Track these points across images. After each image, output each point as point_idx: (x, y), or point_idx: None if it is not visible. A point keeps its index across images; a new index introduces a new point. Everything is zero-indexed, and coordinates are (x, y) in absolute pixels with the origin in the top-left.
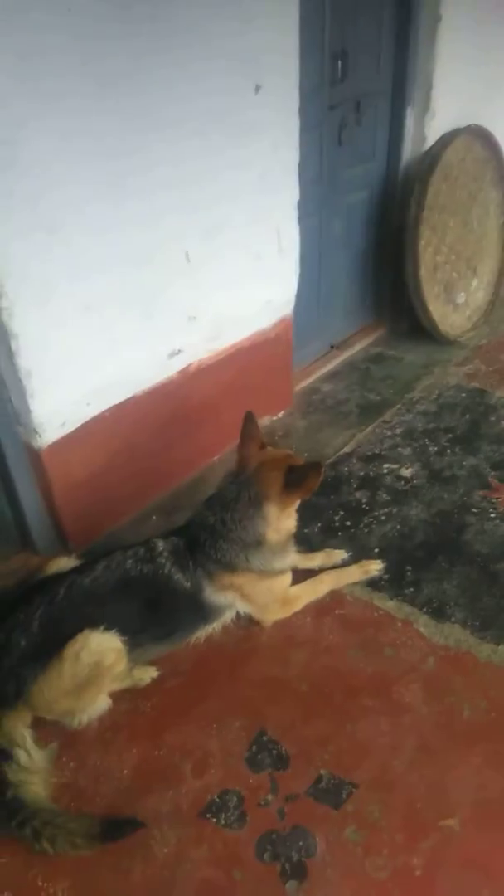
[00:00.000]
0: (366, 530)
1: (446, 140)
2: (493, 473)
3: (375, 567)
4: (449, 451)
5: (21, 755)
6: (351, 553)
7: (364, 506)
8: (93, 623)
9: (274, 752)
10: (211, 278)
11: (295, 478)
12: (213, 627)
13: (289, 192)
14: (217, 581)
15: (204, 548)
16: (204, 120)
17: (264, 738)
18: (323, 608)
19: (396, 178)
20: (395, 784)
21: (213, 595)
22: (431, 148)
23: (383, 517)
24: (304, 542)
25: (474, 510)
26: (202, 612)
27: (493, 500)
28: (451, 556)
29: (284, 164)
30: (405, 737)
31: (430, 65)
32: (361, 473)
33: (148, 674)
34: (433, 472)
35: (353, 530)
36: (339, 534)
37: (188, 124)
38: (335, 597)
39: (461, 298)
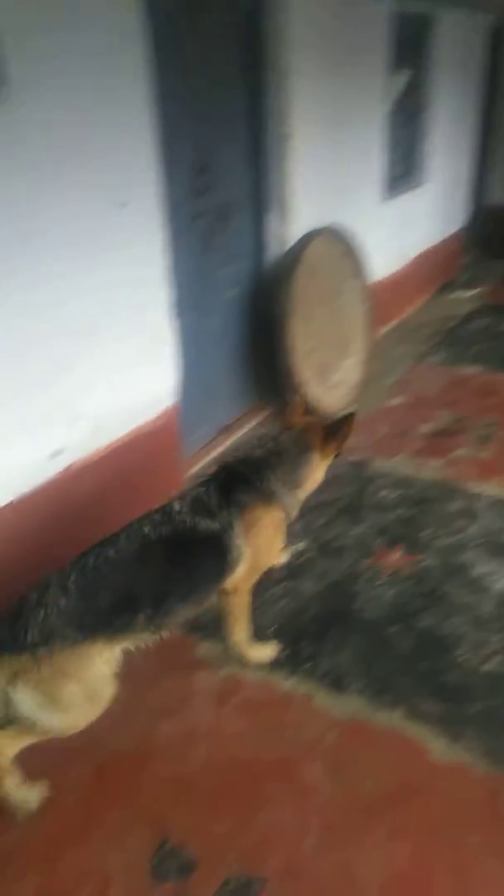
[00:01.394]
0: (261, 610)
1: (306, 239)
2: (378, 540)
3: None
4: (336, 522)
5: None
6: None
7: (259, 584)
8: (122, 591)
9: (179, 859)
10: (91, 377)
11: (333, 430)
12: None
13: (162, 294)
14: (247, 514)
15: (248, 479)
16: (78, 236)
17: (168, 845)
18: (223, 695)
19: (265, 276)
20: (304, 872)
21: (237, 535)
22: (293, 247)
23: (278, 594)
24: (202, 628)
25: (363, 578)
26: (223, 558)
27: (380, 567)
28: (344, 626)
29: (155, 269)
30: (311, 819)
31: (283, 176)
32: None
33: (33, 797)
34: (323, 545)
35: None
36: None
37: (62, 242)
38: (234, 682)
39: (336, 378)
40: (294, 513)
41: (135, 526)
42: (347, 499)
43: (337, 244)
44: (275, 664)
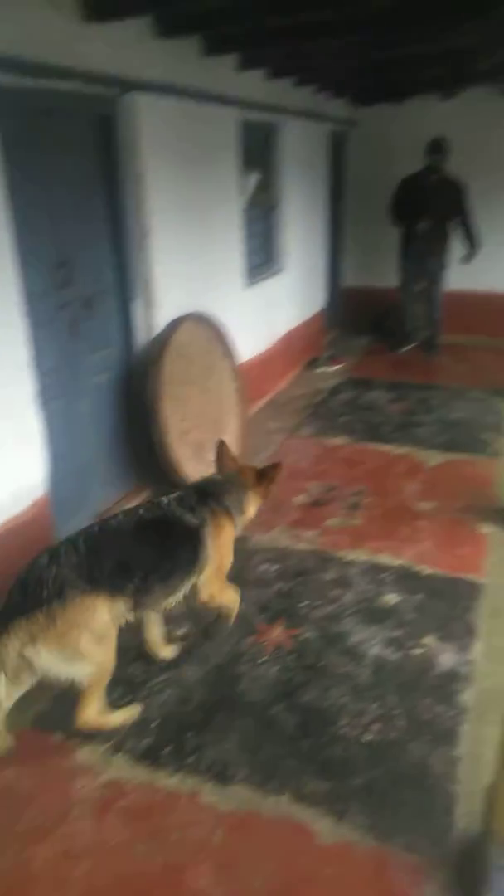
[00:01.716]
0: (144, 703)
1: (174, 325)
2: (259, 618)
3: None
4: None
5: None
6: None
7: (141, 678)
8: (121, 554)
9: None
10: None
11: (263, 474)
12: (196, 579)
13: (25, 384)
14: (216, 519)
15: (214, 495)
16: None
17: None
18: (104, 803)
19: (134, 360)
20: None
21: (208, 534)
22: (161, 333)
23: (161, 685)
24: (80, 732)
25: (246, 658)
26: (197, 549)
27: (262, 644)
28: (228, 711)
29: (15, 360)
30: None
31: (146, 267)
32: (135, 643)
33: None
34: (206, 627)
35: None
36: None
37: None
38: (116, 787)
39: (212, 456)
40: (238, 533)
41: (132, 508)
42: (230, 576)
43: (204, 328)
44: (158, 761)
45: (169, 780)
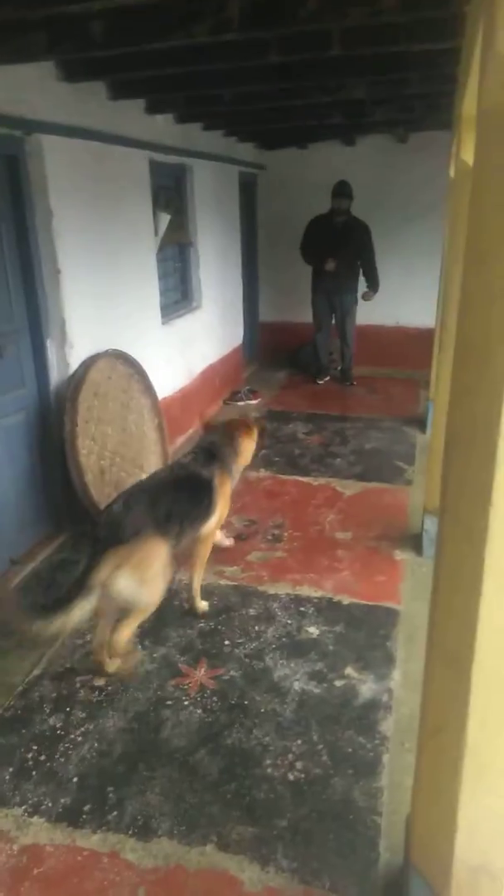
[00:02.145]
0: (62, 759)
1: (88, 363)
2: (181, 659)
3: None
4: (139, 646)
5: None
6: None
7: (59, 731)
8: (168, 504)
9: None
10: None
11: (248, 423)
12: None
13: None
14: (219, 474)
15: (216, 455)
16: None
17: None
18: (21, 872)
19: (50, 400)
20: None
21: (215, 487)
22: (76, 371)
23: (80, 738)
24: None
25: (169, 702)
26: (211, 499)
27: (185, 686)
28: (151, 760)
29: None
30: None
31: (59, 306)
32: (54, 695)
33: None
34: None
35: (48, 764)
36: (34, 773)
37: None
38: (34, 853)
39: None
40: (237, 479)
41: (167, 466)
42: (151, 619)
43: (121, 365)
44: (78, 822)
45: (89, 840)
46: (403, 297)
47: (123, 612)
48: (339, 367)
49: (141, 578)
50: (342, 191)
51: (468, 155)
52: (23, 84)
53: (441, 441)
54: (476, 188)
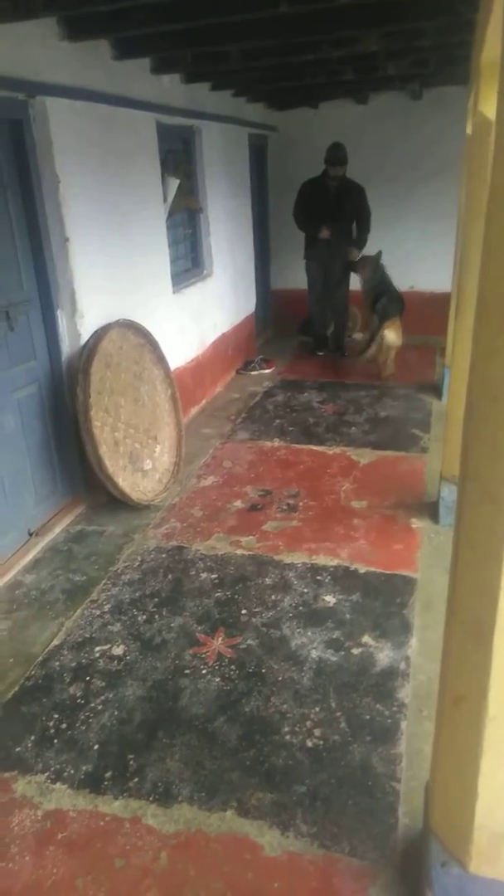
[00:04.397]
0: (83, 727)
1: (100, 334)
2: (199, 628)
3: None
4: (157, 616)
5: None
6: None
7: (79, 700)
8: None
9: None
10: None
11: None
12: None
13: None
14: None
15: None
16: None
17: None
18: (45, 836)
19: (62, 371)
20: None
21: None
22: (87, 342)
23: (100, 707)
24: (20, 762)
25: (187, 671)
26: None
27: (203, 655)
28: (170, 728)
29: None
30: None
31: (68, 275)
32: (73, 664)
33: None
34: (144, 643)
35: (69, 732)
36: (56, 741)
37: None
38: (58, 818)
39: (148, 465)
40: None
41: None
42: (168, 589)
43: (132, 336)
44: (100, 787)
45: (111, 806)
46: (418, 260)
47: (388, 350)
48: (333, 337)
49: (396, 335)
50: (337, 156)
51: (488, 108)
52: (25, 44)
53: (459, 407)
54: (499, 142)
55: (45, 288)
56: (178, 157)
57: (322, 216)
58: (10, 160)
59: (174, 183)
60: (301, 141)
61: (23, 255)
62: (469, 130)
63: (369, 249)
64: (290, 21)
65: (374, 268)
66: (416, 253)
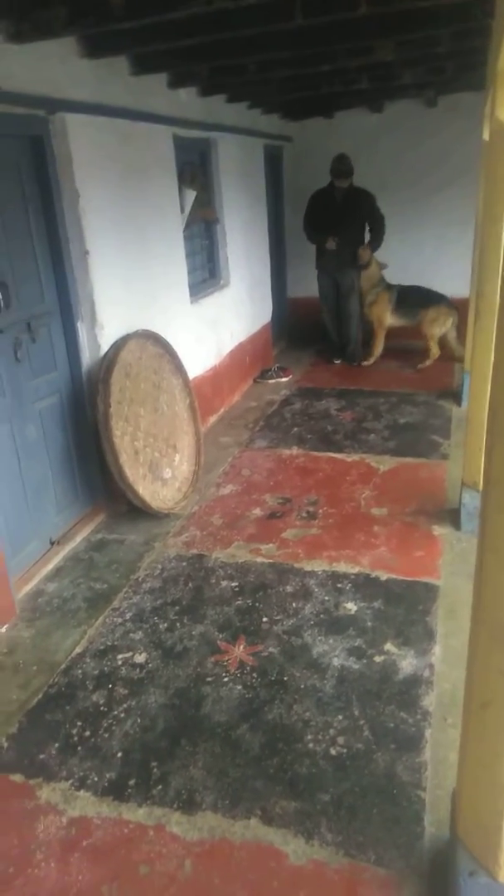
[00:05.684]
0: (106, 735)
1: (119, 344)
2: (220, 636)
3: None
4: (178, 624)
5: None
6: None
7: (102, 708)
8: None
9: None
10: None
11: None
12: None
13: None
14: None
15: None
16: None
17: None
18: (70, 843)
19: (82, 382)
20: None
21: None
22: (107, 353)
23: (122, 714)
24: (43, 769)
25: (209, 679)
26: None
27: (225, 663)
28: (193, 735)
29: None
30: None
31: (88, 287)
32: (96, 672)
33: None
34: (166, 651)
35: (93, 739)
36: (79, 748)
37: None
38: (82, 825)
39: (167, 474)
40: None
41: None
42: (188, 597)
43: (151, 346)
44: (124, 795)
45: (135, 814)
46: (436, 265)
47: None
48: (348, 347)
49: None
50: (341, 168)
51: None
52: (45, 62)
53: (479, 413)
54: None
55: (65, 300)
56: (195, 168)
57: (330, 226)
58: (31, 175)
59: (191, 194)
60: (316, 150)
61: (44, 268)
62: (486, 136)
63: (388, 258)
64: (306, 32)
65: (380, 268)
66: (435, 258)
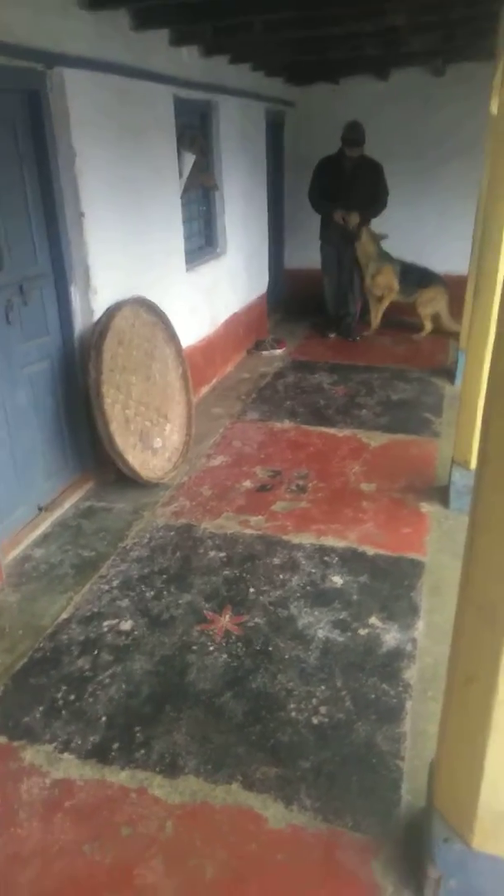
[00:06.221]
0: (91, 700)
1: (112, 311)
2: (207, 606)
3: None
4: (165, 592)
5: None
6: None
7: (87, 673)
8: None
9: None
10: None
11: None
12: None
13: None
14: None
15: None
16: None
17: None
18: (53, 804)
19: (74, 348)
20: None
21: None
22: (100, 319)
23: (107, 680)
24: (28, 732)
25: (194, 647)
26: None
27: (210, 632)
28: (177, 702)
29: None
30: None
31: (83, 251)
32: (81, 638)
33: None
34: (152, 619)
35: (77, 703)
36: (64, 712)
37: None
38: (65, 786)
39: (158, 443)
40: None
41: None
42: (176, 566)
43: (145, 313)
44: (107, 758)
45: (118, 776)
46: (438, 241)
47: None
48: (345, 320)
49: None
50: (354, 136)
51: None
52: (44, 14)
53: (473, 391)
54: None
55: (59, 263)
56: (195, 132)
57: (337, 195)
58: (26, 132)
59: (190, 158)
60: (320, 117)
61: (37, 228)
62: (494, 109)
63: (389, 230)
64: None
65: (374, 240)
66: (437, 233)
